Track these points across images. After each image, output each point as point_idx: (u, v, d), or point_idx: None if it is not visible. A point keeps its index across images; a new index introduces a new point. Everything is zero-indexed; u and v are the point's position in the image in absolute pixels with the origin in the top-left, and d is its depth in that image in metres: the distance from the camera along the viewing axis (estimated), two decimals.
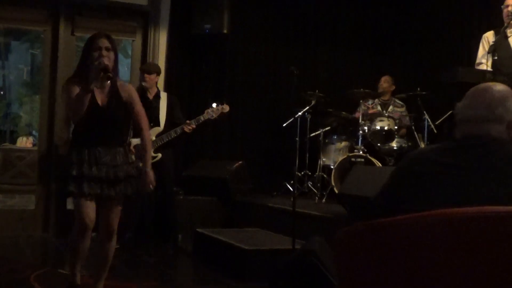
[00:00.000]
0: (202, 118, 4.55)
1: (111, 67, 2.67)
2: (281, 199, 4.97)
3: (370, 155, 4.88)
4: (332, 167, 5.10)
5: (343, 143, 5.35)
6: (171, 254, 4.54)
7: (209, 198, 5.15)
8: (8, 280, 3.40)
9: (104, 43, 2.68)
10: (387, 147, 5.10)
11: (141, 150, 4.47)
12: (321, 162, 5.28)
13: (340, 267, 1.34)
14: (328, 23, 6.27)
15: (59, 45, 5.28)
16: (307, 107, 5.28)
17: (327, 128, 5.40)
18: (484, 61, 3.81)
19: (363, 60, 6.22)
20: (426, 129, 4.80)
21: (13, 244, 4.68)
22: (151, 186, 2.84)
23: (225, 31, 5.51)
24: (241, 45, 5.93)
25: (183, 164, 5.46)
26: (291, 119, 4.98)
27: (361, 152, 4.95)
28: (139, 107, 2.85)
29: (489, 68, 3.65)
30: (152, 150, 4.53)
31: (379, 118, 5.09)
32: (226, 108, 4.64)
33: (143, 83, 4.63)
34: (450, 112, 4.80)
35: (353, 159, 4.87)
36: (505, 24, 3.81)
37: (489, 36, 3.89)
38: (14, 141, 7.87)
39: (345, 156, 4.98)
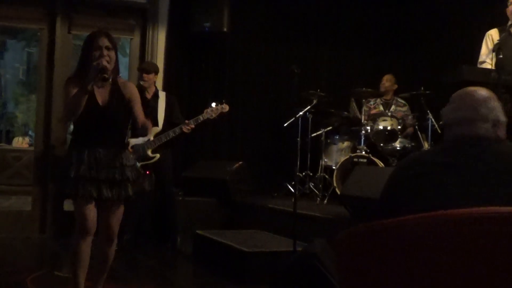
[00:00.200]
0: (201, 118, 4.56)
1: (111, 67, 2.66)
2: (282, 200, 4.97)
3: (372, 156, 4.88)
4: (334, 167, 5.11)
5: (345, 143, 5.36)
6: (170, 256, 4.55)
7: (209, 199, 5.15)
8: (4, 283, 3.40)
9: (105, 42, 2.67)
10: (390, 147, 5.11)
11: (139, 150, 4.50)
12: (323, 163, 5.28)
13: (342, 269, 1.34)
14: (330, 21, 6.27)
15: (55, 44, 5.28)
16: (309, 107, 5.28)
17: (328, 128, 5.41)
18: (487, 60, 3.81)
19: (365, 59, 6.22)
20: (430, 129, 4.81)
21: (10, 246, 4.69)
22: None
23: (225, 30, 5.52)
24: (241, 43, 5.93)
25: (182, 164, 5.47)
26: (292, 119, 4.98)
27: (363, 152, 4.96)
28: (139, 106, 2.83)
29: (493, 67, 3.65)
30: (150, 150, 4.54)
31: (382, 118, 5.09)
32: (226, 107, 4.64)
33: (142, 83, 4.64)
34: None
35: (355, 160, 4.88)
36: (510, 22, 3.81)
37: (493, 34, 3.88)
38: (10, 141, 7.88)
39: (347, 157, 4.98)
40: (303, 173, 5.35)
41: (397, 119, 5.10)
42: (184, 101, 5.47)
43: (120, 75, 2.86)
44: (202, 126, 4.77)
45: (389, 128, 5.01)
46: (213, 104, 4.61)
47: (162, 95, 4.75)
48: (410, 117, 5.32)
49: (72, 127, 2.90)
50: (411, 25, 6.09)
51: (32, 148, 5.52)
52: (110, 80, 2.71)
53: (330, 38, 6.24)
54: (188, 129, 4.50)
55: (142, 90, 4.58)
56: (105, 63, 2.62)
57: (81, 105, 2.62)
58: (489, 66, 3.78)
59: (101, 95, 2.74)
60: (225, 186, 5.08)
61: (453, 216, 1.11)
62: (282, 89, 5.82)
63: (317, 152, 5.39)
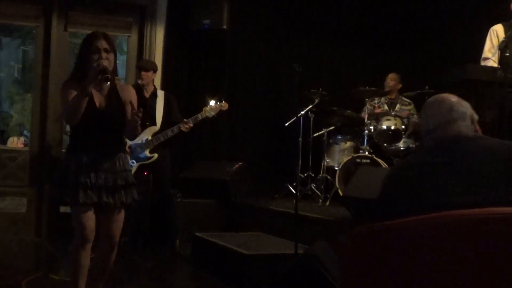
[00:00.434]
0: (199, 116, 4.56)
1: (110, 69, 2.64)
2: (283, 202, 4.97)
3: (376, 156, 4.88)
4: (336, 168, 5.10)
5: (348, 143, 5.36)
6: (169, 258, 4.55)
7: (208, 200, 5.15)
8: None
9: (103, 44, 2.66)
10: (393, 147, 5.10)
11: (136, 150, 4.50)
12: (325, 163, 5.28)
13: (344, 272, 1.35)
14: (332, 18, 6.27)
15: (51, 42, 5.29)
16: (310, 106, 5.28)
17: (331, 128, 5.41)
18: (491, 56, 3.80)
19: (368, 57, 6.22)
20: None
21: (4, 249, 4.69)
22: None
23: (224, 27, 5.52)
24: (242, 41, 5.93)
25: (180, 165, 5.47)
26: (294, 119, 4.98)
27: (366, 153, 4.95)
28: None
29: (497, 64, 3.66)
30: (148, 150, 4.54)
31: (385, 117, 5.09)
32: (225, 105, 4.65)
33: (140, 81, 4.65)
34: None
35: (358, 160, 4.87)
36: None
37: (497, 29, 3.86)
38: (4, 142, 7.89)
39: (350, 157, 4.98)
40: (305, 174, 5.35)
41: (401, 118, 5.10)
42: (183, 100, 5.47)
43: (118, 76, 2.86)
44: (201, 125, 4.78)
45: (392, 128, 5.01)
46: (212, 102, 4.62)
47: (160, 94, 4.75)
48: (415, 116, 5.32)
49: (68, 127, 2.89)
50: (415, 22, 6.08)
51: (27, 149, 5.52)
52: (109, 82, 2.71)
53: (332, 35, 6.24)
54: (186, 128, 4.51)
55: (140, 88, 4.59)
56: (105, 63, 2.61)
57: (82, 108, 2.60)
58: (492, 63, 3.78)
59: (99, 97, 2.73)
60: (225, 187, 5.08)
61: (455, 217, 1.11)
62: (283, 88, 5.82)
63: (319, 153, 5.39)
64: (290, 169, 5.03)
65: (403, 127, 5.04)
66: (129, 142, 4.34)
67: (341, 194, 4.67)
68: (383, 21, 6.23)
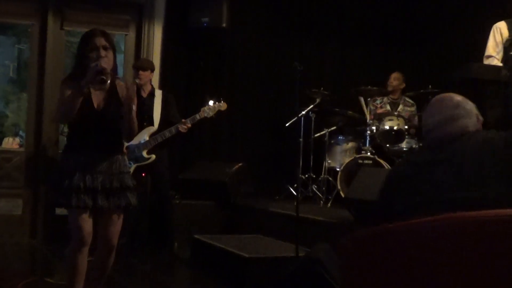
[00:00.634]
0: (198, 116, 4.56)
1: (110, 68, 2.62)
2: (283, 204, 4.97)
3: (378, 157, 4.88)
4: (338, 169, 5.11)
5: (350, 144, 5.36)
6: (167, 261, 4.55)
7: (207, 202, 5.15)
8: None
9: (101, 41, 2.64)
10: (396, 148, 5.11)
11: (134, 151, 4.50)
12: (326, 164, 5.28)
13: (346, 275, 1.35)
14: (334, 16, 6.27)
15: (47, 40, 5.29)
16: (312, 106, 5.28)
17: (332, 128, 5.41)
18: (495, 54, 3.80)
19: (371, 56, 6.22)
20: None
21: None
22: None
23: (224, 25, 5.52)
24: (241, 39, 5.93)
25: (179, 166, 5.47)
26: (294, 119, 4.98)
27: (369, 154, 4.96)
28: (134, 112, 2.80)
29: (500, 62, 3.66)
30: (146, 151, 4.55)
31: (388, 118, 5.09)
32: (224, 105, 4.65)
33: (137, 81, 4.64)
34: None
35: (360, 161, 4.88)
36: None
37: (501, 27, 3.86)
38: None
39: (352, 158, 4.99)
40: (306, 175, 5.35)
41: (404, 118, 5.10)
42: (182, 99, 5.47)
43: (118, 75, 2.85)
44: (200, 125, 4.77)
45: (395, 128, 5.01)
46: (211, 102, 4.62)
47: (158, 94, 4.75)
48: (416, 117, 5.33)
49: (64, 127, 2.89)
50: (419, 20, 6.08)
51: (22, 149, 5.52)
52: (108, 82, 2.69)
53: (334, 33, 6.24)
54: (184, 129, 4.51)
55: (137, 88, 4.59)
56: (104, 64, 2.58)
57: (75, 108, 2.58)
58: (496, 61, 3.79)
59: (98, 98, 2.71)
60: (224, 189, 5.08)
61: (458, 219, 1.11)
62: (284, 87, 5.82)
63: (320, 153, 5.39)
64: (291, 170, 5.03)
65: (406, 127, 5.04)
66: (126, 143, 4.34)
67: (342, 195, 4.67)
68: (386, 19, 6.23)
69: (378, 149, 5.10)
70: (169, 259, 4.59)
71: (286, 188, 5.37)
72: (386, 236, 1.20)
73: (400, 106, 5.55)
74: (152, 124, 4.59)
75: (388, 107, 5.56)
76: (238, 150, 5.90)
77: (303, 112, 5.17)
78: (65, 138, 2.85)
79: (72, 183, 2.61)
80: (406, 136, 5.05)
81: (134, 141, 4.47)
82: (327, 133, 5.35)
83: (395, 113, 5.30)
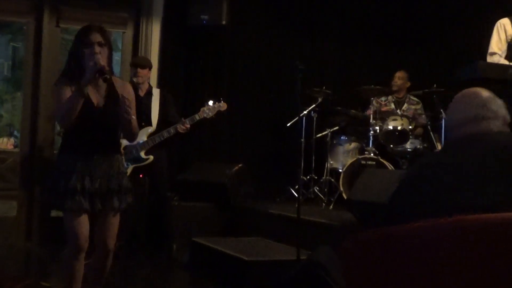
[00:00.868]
0: (197, 117, 4.56)
1: (106, 66, 2.60)
2: (284, 206, 4.97)
3: (382, 158, 4.88)
4: (340, 170, 5.10)
5: (353, 145, 5.36)
6: (166, 265, 4.55)
7: (207, 204, 5.15)
8: None
9: (97, 37, 2.62)
10: (400, 148, 5.11)
11: (131, 152, 4.50)
12: (329, 165, 5.28)
13: (349, 279, 1.34)
14: (336, 13, 6.26)
15: (43, 38, 5.29)
16: (313, 105, 5.28)
17: (335, 128, 5.41)
18: (499, 51, 3.81)
19: (374, 53, 6.22)
20: (443, 129, 4.80)
21: None
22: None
23: (223, 23, 5.52)
24: (241, 37, 5.93)
25: (178, 167, 5.47)
26: (296, 119, 4.99)
27: (372, 154, 4.96)
28: (134, 111, 2.78)
29: (504, 59, 3.67)
30: (144, 151, 4.54)
31: (392, 117, 5.09)
32: (224, 105, 4.65)
33: (135, 79, 4.64)
34: None
35: (363, 162, 4.88)
36: None
37: (505, 23, 3.88)
38: None
39: (355, 159, 4.99)
40: (308, 177, 5.35)
41: (408, 118, 5.10)
42: (180, 99, 5.47)
43: (113, 74, 2.83)
44: (199, 126, 4.77)
45: (399, 128, 5.01)
46: (210, 102, 4.62)
47: (156, 93, 4.75)
48: (422, 116, 5.32)
49: (58, 128, 2.88)
50: (425, 17, 6.08)
51: (17, 150, 5.53)
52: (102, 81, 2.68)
53: (336, 31, 6.23)
54: (183, 129, 4.51)
55: (135, 87, 4.59)
56: (102, 62, 2.56)
57: (77, 110, 2.55)
58: (499, 58, 3.80)
59: (96, 96, 2.69)
60: (224, 190, 5.08)
61: (465, 222, 1.11)
62: (285, 87, 5.82)
63: (322, 154, 5.39)
64: (292, 171, 5.03)
65: (410, 127, 5.04)
66: (123, 144, 4.34)
67: (345, 197, 4.67)
68: (390, 16, 6.21)
69: (381, 150, 5.10)
70: (168, 262, 4.59)
71: (287, 189, 5.37)
72: (389, 239, 1.19)
73: (405, 105, 5.55)
74: (150, 124, 4.59)
75: (393, 106, 5.56)
76: (238, 151, 5.90)
77: (305, 112, 5.17)
78: (62, 138, 2.82)
79: (69, 185, 2.60)
80: (410, 137, 5.05)
81: (132, 142, 4.47)
82: (329, 133, 5.35)
83: (399, 112, 5.29)
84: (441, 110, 4.84)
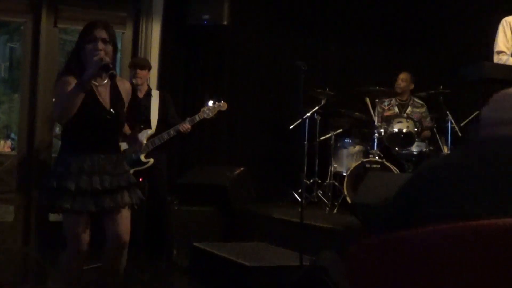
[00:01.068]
0: (197, 117, 4.56)
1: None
2: (287, 210, 4.96)
3: (386, 161, 4.88)
4: (344, 174, 5.10)
5: (357, 147, 5.36)
6: (165, 270, 4.54)
7: (207, 208, 5.14)
8: None
9: (102, 34, 2.60)
10: (405, 151, 5.10)
11: (131, 155, 4.50)
12: (332, 169, 5.28)
13: (353, 285, 1.34)
14: (339, 13, 6.26)
15: (40, 38, 5.29)
16: (317, 107, 5.28)
17: (338, 131, 5.41)
18: (506, 50, 3.81)
19: (378, 55, 6.21)
20: (449, 132, 4.80)
21: None
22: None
23: (225, 22, 5.52)
24: (243, 38, 5.93)
25: (177, 170, 5.47)
26: (299, 121, 4.99)
27: (376, 157, 4.95)
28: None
29: (511, 57, 3.67)
30: (143, 154, 4.55)
31: (397, 120, 5.09)
32: (224, 105, 4.65)
33: (134, 80, 4.64)
34: (477, 112, 4.79)
35: (367, 165, 4.87)
36: None
37: (510, 21, 3.87)
38: None
39: (359, 162, 4.98)
40: (311, 180, 5.34)
41: (414, 121, 5.09)
42: (180, 99, 5.48)
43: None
44: (199, 127, 4.77)
45: (404, 130, 5.00)
46: (210, 103, 4.62)
47: (155, 94, 4.75)
48: (427, 119, 5.32)
49: (57, 129, 2.88)
50: (430, 16, 6.08)
51: (14, 153, 5.53)
52: (108, 78, 2.67)
53: (339, 31, 6.23)
54: (185, 129, 4.51)
55: (133, 88, 4.59)
56: (107, 59, 2.55)
57: (76, 105, 2.52)
58: (506, 56, 3.80)
59: (104, 96, 2.68)
60: (225, 194, 5.08)
61: (476, 227, 1.10)
62: (287, 88, 5.81)
63: (325, 157, 5.39)
64: (295, 175, 5.03)
65: (416, 129, 5.04)
66: (123, 147, 4.34)
67: (349, 201, 4.67)
68: (394, 16, 6.21)
69: (386, 153, 5.09)
70: (167, 267, 4.58)
71: (290, 193, 5.36)
72: (396, 244, 1.19)
73: (409, 108, 5.54)
74: (149, 126, 4.59)
75: (396, 109, 5.55)
76: (239, 153, 5.90)
77: (308, 114, 5.17)
78: (64, 138, 2.77)
79: (77, 186, 2.59)
80: (416, 139, 5.05)
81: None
82: (333, 136, 5.35)
83: (404, 115, 5.29)
84: (447, 112, 4.84)
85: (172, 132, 4.52)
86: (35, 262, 4.87)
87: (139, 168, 4.54)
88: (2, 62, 9.71)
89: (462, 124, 4.90)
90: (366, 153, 5.25)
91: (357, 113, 5.35)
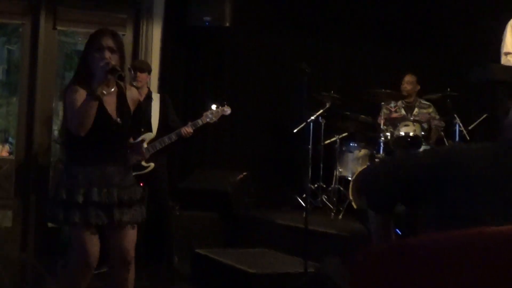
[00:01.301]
0: (200, 122, 4.56)
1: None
2: (291, 215, 4.96)
3: None
4: (349, 178, 5.10)
5: (362, 151, 5.35)
6: (166, 277, 4.54)
7: (209, 213, 5.15)
8: None
9: (109, 42, 2.60)
10: None
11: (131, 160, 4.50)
12: (337, 173, 5.28)
13: None
14: (343, 14, 6.26)
15: (39, 40, 5.31)
16: (321, 110, 5.28)
17: (343, 134, 5.41)
18: None
19: (384, 56, 6.21)
20: (457, 134, 4.80)
21: None
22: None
23: (226, 24, 5.53)
24: (245, 39, 5.94)
25: (179, 174, 5.47)
26: (303, 124, 4.98)
27: None
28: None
29: None
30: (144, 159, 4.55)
31: (403, 123, 5.08)
32: (228, 110, 4.65)
33: (134, 83, 4.65)
34: (485, 115, 4.79)
35: None
36: None
37: None
38: None
39: (365, 166, 4.98)
40: (315, 185, 5.34)
41: (421, 124, 5.09)
42: (181, 103, 5.48)
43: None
44: (201, 131, 4.78)
45: (411, 134, 5.00)
46: (213, 106, 4.62)
47: (155, 97, 4.76)
48: (437, 117, 5.30)
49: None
50: (436, 17, 6.08)
51: (12, 157, 5.54)
52: (115, 87, 2.66)
53: (344, 33, 6.23)
54: (187, 132, 4.51)
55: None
56: (113, 62, 2.55)
57: (92, 115, 2.52)
58: None
59: (111, 105, 2.67)
60: (227, 199, 5.08)
61: (487, 235, 1.10)
62: (291, 91, 5.81)
63: (330, 161, 5.39)
64: (299, 180, 5.03)
65: (423, 133, 5.03)
66: None
67: (355, 206, 4.66)
68: (400, 17, 6.21)
69: None
70: (169, 274, 4.58)
71: (294, 198, 5.36)
72: (404, 252, 1.18)
73: (416, 110, 5.54)
74: (150, 130, 4.59)
75: (403, 111, 5.55)
76: (242, 158, 5.90)
77: (312, 117, 5.17)
78: (71, 149, 2.76)
79: (87, 199, 2.57)
80: (423, 143, 5.04)
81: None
82: (338, 140, 5.35)
83: (411, 118, 5.28)
84: (455, 115, 4.83)
85: (173, 136, 4.52)
86: (33, 268, 4.87)
87: (140, 172, 4.54)
88: (0, 64, 9.74)
89: (470, 127, 4.89)
90: (372, 157, 5.24)
91: (362, 116, 5.34)
